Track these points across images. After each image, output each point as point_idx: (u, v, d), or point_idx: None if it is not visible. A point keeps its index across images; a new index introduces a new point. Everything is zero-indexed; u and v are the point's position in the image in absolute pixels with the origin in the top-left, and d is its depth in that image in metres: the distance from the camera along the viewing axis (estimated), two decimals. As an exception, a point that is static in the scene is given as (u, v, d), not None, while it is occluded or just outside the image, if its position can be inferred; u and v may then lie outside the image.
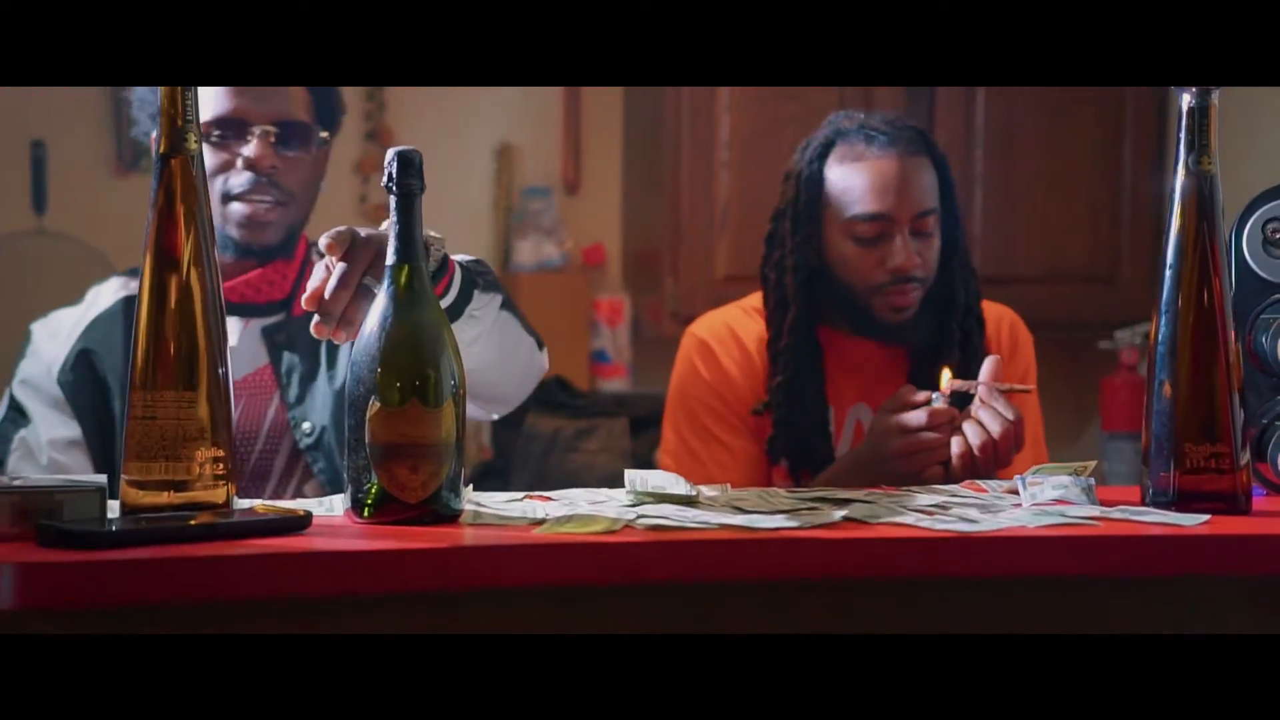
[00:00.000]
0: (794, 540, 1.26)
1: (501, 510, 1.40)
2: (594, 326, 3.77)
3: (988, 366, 2.02)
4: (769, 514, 1.37)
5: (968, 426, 1.98)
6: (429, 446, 1.33)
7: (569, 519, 1.33)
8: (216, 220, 2.03)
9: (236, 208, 2.03)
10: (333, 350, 2.05)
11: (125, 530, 1.21)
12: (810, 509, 1.41)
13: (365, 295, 1.55)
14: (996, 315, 2.31)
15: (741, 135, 3.56)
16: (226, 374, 1.35)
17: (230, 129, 2.01)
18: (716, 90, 3.53)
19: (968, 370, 2.14)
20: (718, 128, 3.56)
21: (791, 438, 2.21)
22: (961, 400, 2.02)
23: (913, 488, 1.62)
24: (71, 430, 2.03)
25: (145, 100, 2.11)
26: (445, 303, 1.66)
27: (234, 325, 2.07)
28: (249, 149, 2.01)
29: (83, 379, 2.03)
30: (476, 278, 1.76)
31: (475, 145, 3.84)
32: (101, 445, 2.01)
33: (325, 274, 1.53)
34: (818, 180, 2.20)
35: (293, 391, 2.05)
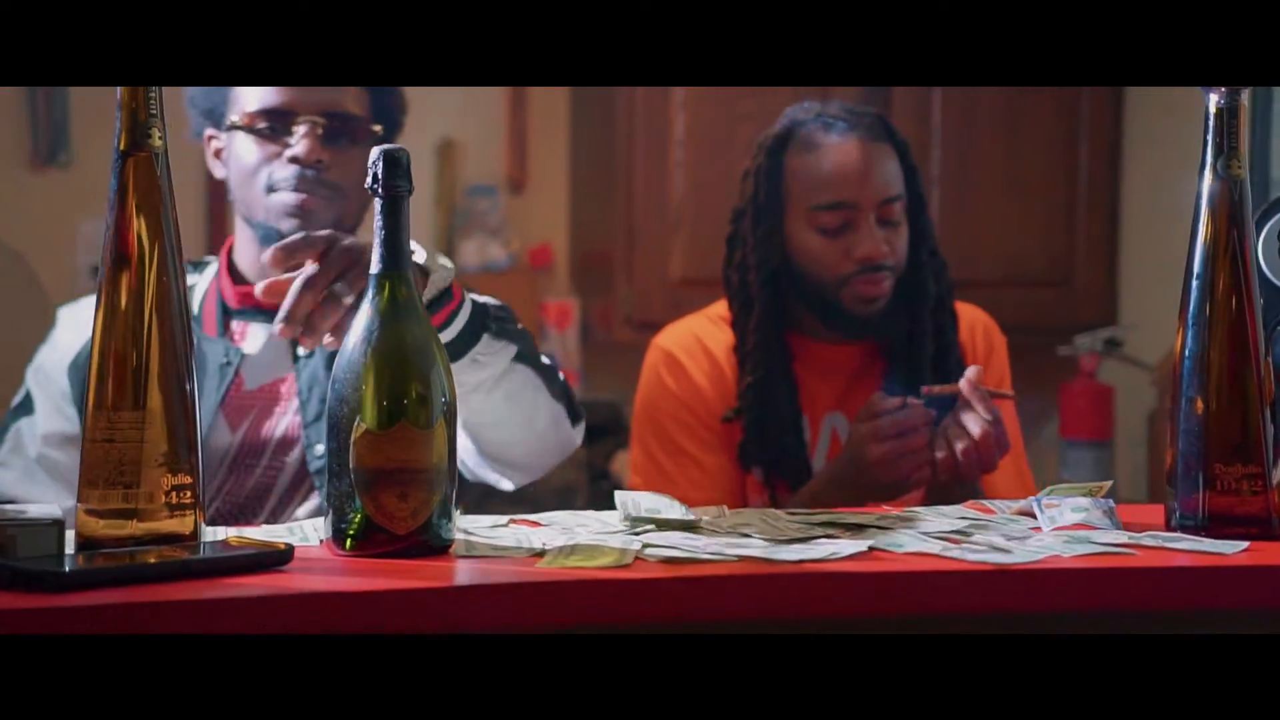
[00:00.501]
0: (828, 575, 1.16)
1: (493, 539, 1.29)
2: (542, 330, 3.66)
3: (970, 374, 1.94)
4: (785, 543, 1.27)
5: (949, 430, 1.92)
6: (419, 472, 1.21)
7: (572, 550, 1.22)
8: (260, 215, 1.94)
9: (280, 197, 1.92)
10: None
11: (88, 570, 1.09)
12: (826, 535, 1.32)
13: (333, 302, 1.48)
14: (970, 318, 2.25)
15: (696, 134, 3.47)
16: (193, 391, 1.23)
17: (276, 120, 1.92)
18: (670, 89, 3.44)
19: (944, 364, 2.08)
20: (672, 126, 3.47)
21: (764, 441, 2.13)
22: (940, 405, 1.94)
23: (919, 509, 1.53)
24: (72, 426, 1.92)
25: (195, 98, 2.00)
26: (445, 336, 1.57)
27: (258, 331, 1.96)
28: (294, 141, 1.91)
29: None
30: (490, 321, 1.68)
31: (415, 141, 3.69)
32: None
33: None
34: (777, 173, 2.13)
35: (312, 408, 1.92)
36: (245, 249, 2.00)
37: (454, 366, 1.34)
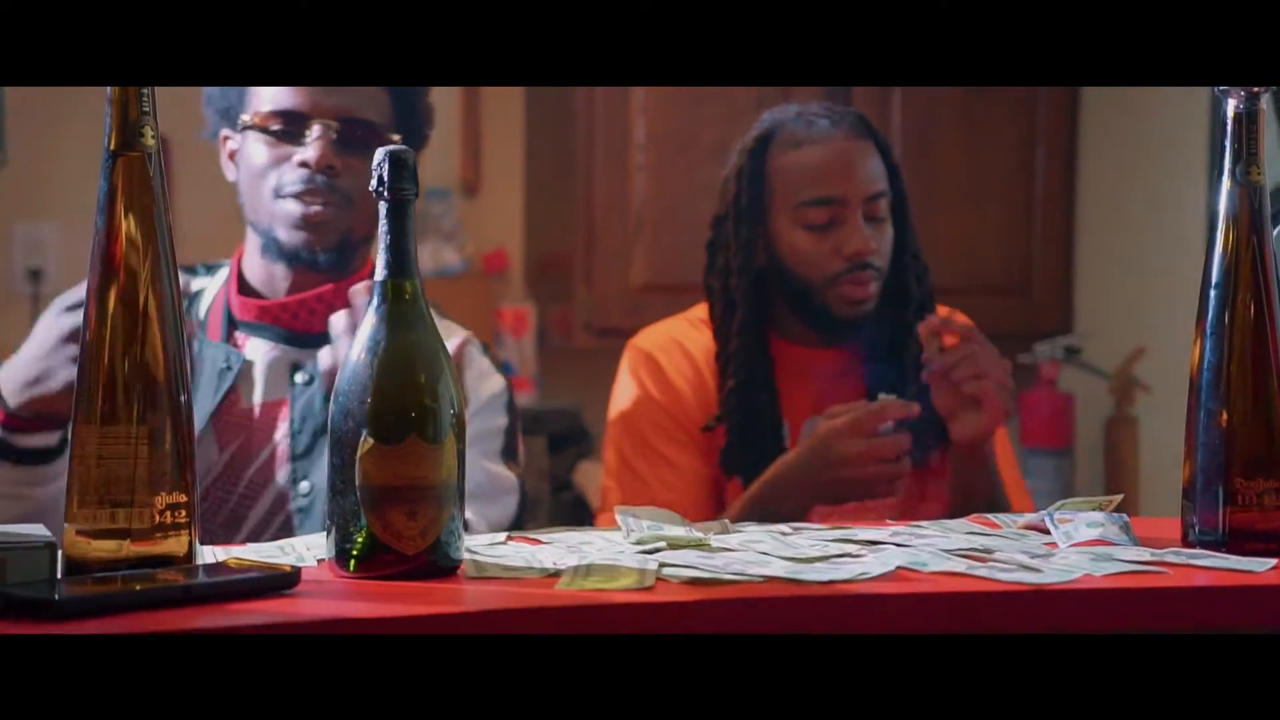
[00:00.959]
0: (859, 596, 1.11)
1: (501, 559, 1.24)
2: (497, 337, 3.60)
3: (962, 317, 2.00)
4: (806, 562, 1.23)
5: (980, 362, 1.98)
6: (429, 489, 1.15)
7: (589, 571, 1.17)
8: (264, 221, 1.85)
9: (286, 206, 1.83)
10: None
11: (86, 595, 1.02)
12: (845, 554, 1.27)
13: None
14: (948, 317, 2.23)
15: (658, 137, 3.42)
16: (189, 404, 1.16)
17: (290, 122, 1.84)
18: (630, 90, 3.39)
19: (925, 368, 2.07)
20: (632, 129, 3.42)
21: (746, 447, 2.10)
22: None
23: (922, 523, 1.49)
24: None
25: (212, 98, 1.91)
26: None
27: (259, 348, 1.88)
28: (305, 144, 1.83)
29: None
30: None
31: (365, 144, 3.63)
32: None
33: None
34: (760, 174, 2.10)
35: (303, 441, 1.84)
36: (252, 258, 1.91)
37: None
